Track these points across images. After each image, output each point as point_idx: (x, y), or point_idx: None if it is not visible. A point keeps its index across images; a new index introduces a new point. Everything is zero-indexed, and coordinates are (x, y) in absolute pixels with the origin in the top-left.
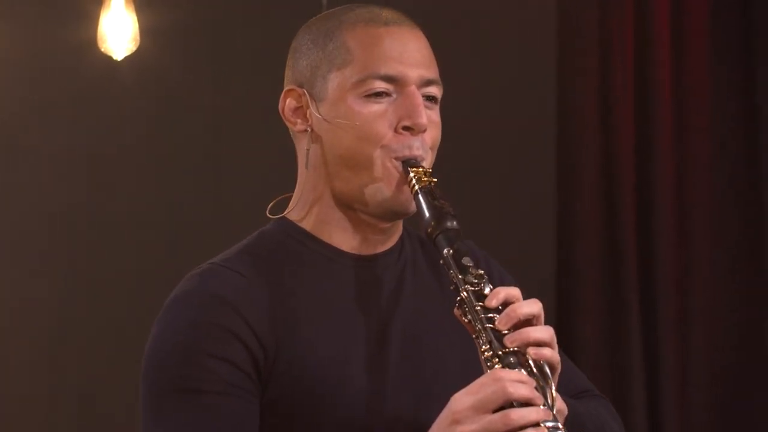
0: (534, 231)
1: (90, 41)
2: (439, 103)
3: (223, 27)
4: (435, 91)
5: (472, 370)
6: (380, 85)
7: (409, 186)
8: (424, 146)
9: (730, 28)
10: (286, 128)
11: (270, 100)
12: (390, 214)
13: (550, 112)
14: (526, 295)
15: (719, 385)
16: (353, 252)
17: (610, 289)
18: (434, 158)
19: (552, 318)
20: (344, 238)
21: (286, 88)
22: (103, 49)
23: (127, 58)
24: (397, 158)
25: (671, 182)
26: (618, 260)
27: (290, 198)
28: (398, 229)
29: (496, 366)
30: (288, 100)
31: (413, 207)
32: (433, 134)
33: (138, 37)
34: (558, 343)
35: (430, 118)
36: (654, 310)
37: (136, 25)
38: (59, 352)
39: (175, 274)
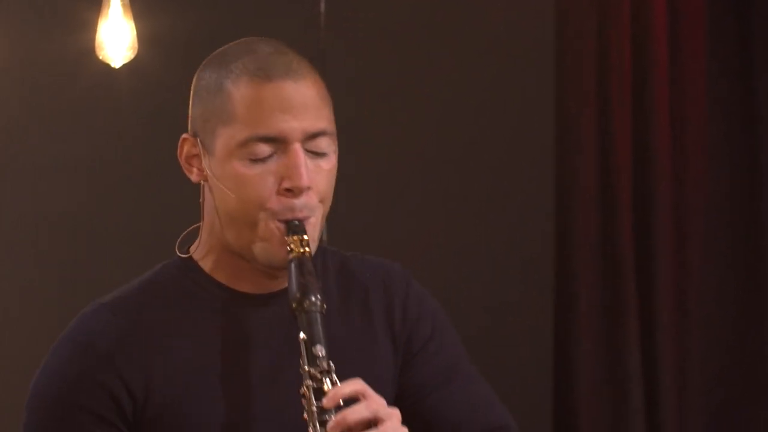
0: (532, 242)
1: (88, 49)
2: (332, 148)
3: (222, 35)
4: (322, 145)
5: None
6: (262, 150)
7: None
8: (309, 204)
9: (727, 32)
10: None
11: None
12: (277, 270)
13: (547, 117)
14: (530, 299)
15: (717, 391)
16: (248, 292)
17: (608, 297)
18: (328, 207)
19: (549, 325)
20: (239, 280)
21: (182, 136)
22: (101, 57)
23: (125, 66)
24: (280, 220)
25: (669, 189)
26: (616, 269)
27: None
28: None
29: None
30: (185, 147)
31: None
32: (321, 186)
33: (136, 45)
34: (556, 350)
35: (318, 168)
36: (652, 317)
37: (134, 32)
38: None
39: None
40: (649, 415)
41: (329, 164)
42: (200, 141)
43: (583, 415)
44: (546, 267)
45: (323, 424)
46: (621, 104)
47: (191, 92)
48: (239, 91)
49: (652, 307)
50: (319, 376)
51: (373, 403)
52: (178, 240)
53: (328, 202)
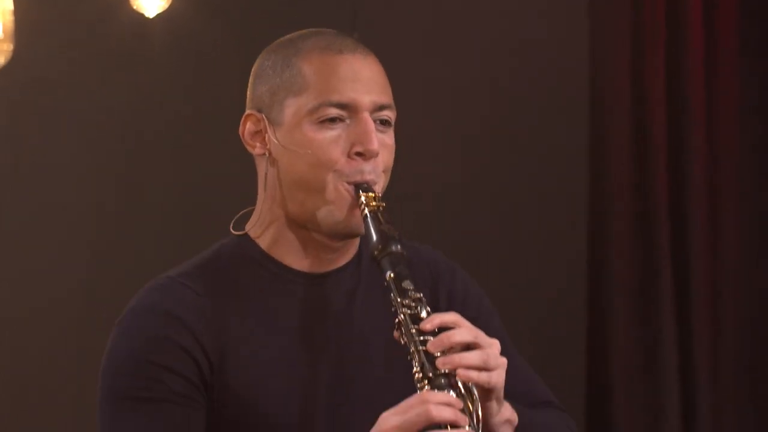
0: (565, 232)
1: None
2: (393, 126)
3: None
4: (388, 114)
5: (409, 391)
6: (333, 112)
7: (360, 209)
8: (376, 170)
9: (761, 21)
10: None
11: None
12: (341, 235)
13: (582, 106)
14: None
15: (749, 382)
16: (304, 270)
17: (643, 289)
18: (388, 180)
19: (583, 309)
20: (296, 258)
21: (246, 113)
22: (134, 7)
23: (158, 16)
24: (349, 182)
25: (703, 178)
26: (651, 259)
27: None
28: (352, 248)
29: (426, 387)
30: (248, 125)
31: (363, 229)
32: (385, 157)
33: None
34: (587, 316)
35: (383, 141)
36: (688, 302)
37: None
38: (85, 343)
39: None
40: (684, 404)
41: (391, 139)
42: (265, 116)
43: (615, 390)
44: (578, 263)
45: (423, 343)
46: (656, 92)
47: (251, 76)
48: (311, 63)
49: (687, 290)
50: (413, 304)
51: (474, 330)
52: (233, 221)
53: (388, 175)
